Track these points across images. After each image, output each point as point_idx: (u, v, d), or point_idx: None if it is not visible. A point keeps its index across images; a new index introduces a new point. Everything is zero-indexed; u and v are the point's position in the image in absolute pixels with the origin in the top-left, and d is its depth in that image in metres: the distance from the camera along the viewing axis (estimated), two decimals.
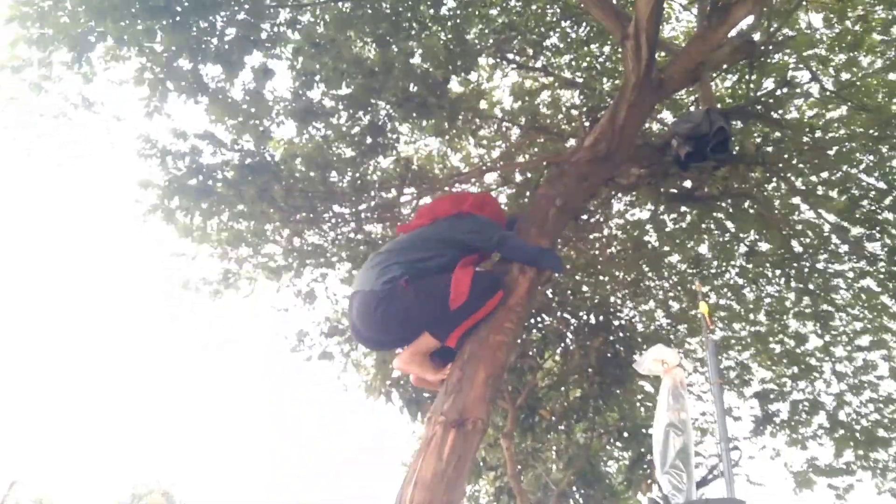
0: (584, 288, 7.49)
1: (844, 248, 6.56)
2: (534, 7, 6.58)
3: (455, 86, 5.89)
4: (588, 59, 6.84)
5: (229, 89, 4.77)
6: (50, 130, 5.09)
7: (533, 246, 3.20)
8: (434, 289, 2.90)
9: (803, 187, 6.09)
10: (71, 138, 5.26)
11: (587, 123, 5.79)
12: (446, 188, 6.40)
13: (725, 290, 7.55)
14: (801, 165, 5.88)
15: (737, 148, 5.43)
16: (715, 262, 7.38)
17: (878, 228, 6.14)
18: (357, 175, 5.80)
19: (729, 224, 6.80)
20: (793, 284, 7.09)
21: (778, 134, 5.86)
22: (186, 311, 6.78)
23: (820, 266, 6.89)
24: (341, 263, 6.36)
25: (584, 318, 7.42)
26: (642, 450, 7.68)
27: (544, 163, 6.09)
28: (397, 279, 2.88)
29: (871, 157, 5.93)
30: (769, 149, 5.80)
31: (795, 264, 6.77)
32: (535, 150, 6.67)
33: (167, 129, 5.13)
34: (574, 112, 6.48)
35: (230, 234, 5.88)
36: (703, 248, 7.35)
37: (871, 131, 5.44)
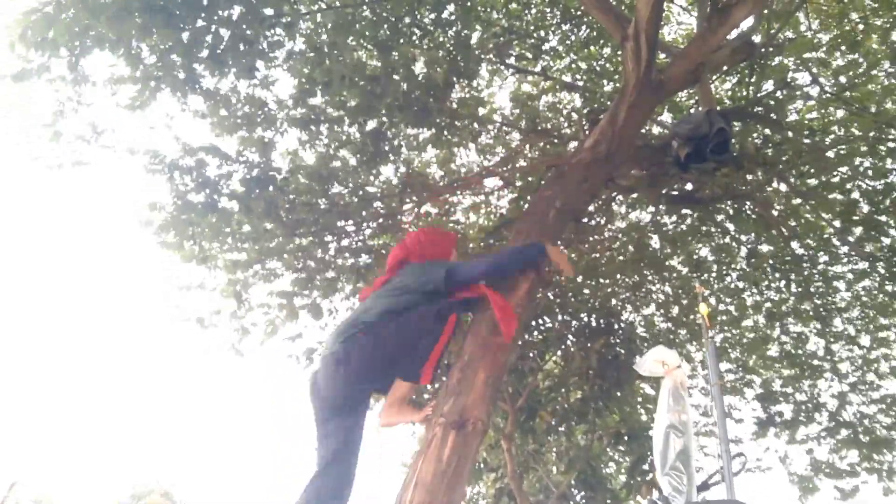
0: (585, 290, 7.48)
1: (844, 249, 6.56)
2: (533, 11, 6.59)
3: (455, 91, 5.89)
4: (588, 61, 6.85)
5: (227, 91, 4.77)
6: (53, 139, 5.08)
7: (493, 257, 3.04)
8: (395, 331, 2.88)
9: (803, 189, 6.09)
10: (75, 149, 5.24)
11: (587, 126, 5.80)
12: (447, 195, 6.39)
13: (726, 292, 7.55)
14: (801, 167, 5.89)
15: (737, 149, 5.43)
16: (715, 265, 7.38)
17: (877, 230, 6.14)
18: (359, 184, 5.80)
19: (729, 226, 6.80)
20: (793, 287, 7.09)
21: (778, 136, 5.87)
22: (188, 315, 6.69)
23: (820, 268, 6.90)
24: (346, 277, 6.27)
25: (585, 319, 7.42)
26: (643, 452, 7.67)
27: (545, 166, 6.09)
28: (355, 334, 2.88)
29: (871, 159, 5.94)
30: (769, 150, 5.81)
31: (796, 266, 6.77)
32: (536, 153, 6.67)
33: (172, 138, 5.14)
34: (574, 115, 6.48)
35: (236, 263, 5.86)
36: (704, 251, 7.35)
37: (870, 133, 5.45)
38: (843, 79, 5.82)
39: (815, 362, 7.58)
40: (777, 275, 7.12)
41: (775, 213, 6.38)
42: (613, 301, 7.63)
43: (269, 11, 4.50)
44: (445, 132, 5.64)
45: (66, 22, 3.91)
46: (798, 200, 6.34)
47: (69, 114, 4.74)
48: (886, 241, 6.33)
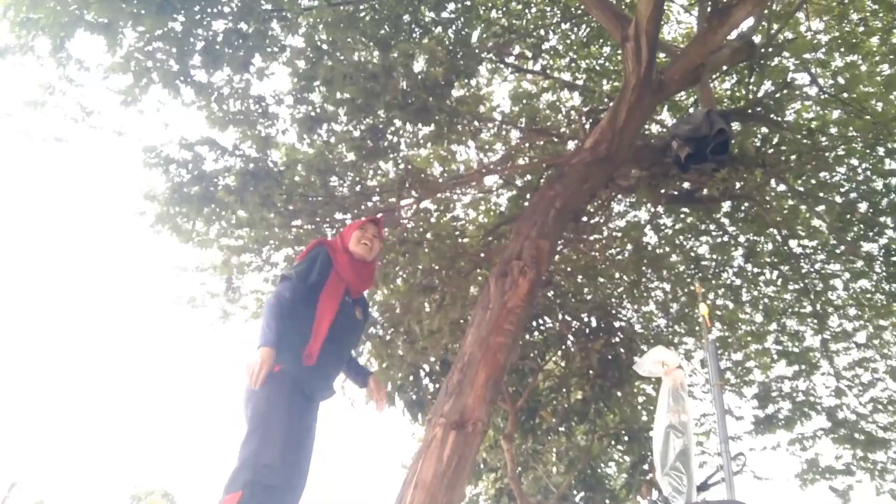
0: (585, 290, 7.47)
1: (842, 248, 6.56)
2: (533, 9, 6.58)
3: (455, 90, 5.88)
4: (588, 60, 6.85)
5: (220, 86, 4.75)
6: (51, 136, 5.03)
7: (275, 318, 2.74)
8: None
9: (802, 189, 6.09)
10: (73, 142, 5.20)
11: (587, 125, 5.80)
12: (446, 192, 6.39)
13: (724, 290, 7.56)
14: (800, 167, 5.89)
15: (736, 150, 5.43)
16: (713, 263, 7.38)
17: (874, 229, 6.15)
18: (357, 179, 5.80)
19: (728, 225, 6.81)
20: (790, 285, 7.09)
21: (777, 136, 5.87)
22: (189, 316, 6.76)
23: (818, 266, 6.91)
24: None
25: (585, 319, 7.41)
26: (643, 452, 7.67)
27: (545, 165, 6.09)
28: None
29: (869, 160, 5.94)
30: (768, 150, 5.81)
31: (793, 264, 6.78)
32: (536, 151, 6.67)
33: (167, 134, 5.15)
34: (574, 114, 6.48)
35: (232, 248, 5.89)
36: (703, 249, 7.35)
37: (868, 134, 5.45)
38: (841, 80, 5.83)
39: (813, 355, 7.59)
40: (775, 273, 7.13)
41: (773, 212, 6.38)
42: (613, 300, 7.63)
43: (267, 6, 4.49)
44: (445, 130, 5.64)
45: (51, 7, 3.88)
46: (796, 200, 6.35)
47: (58, 93, 4.68)
48: (883, 240, 6.34)
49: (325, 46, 4.93)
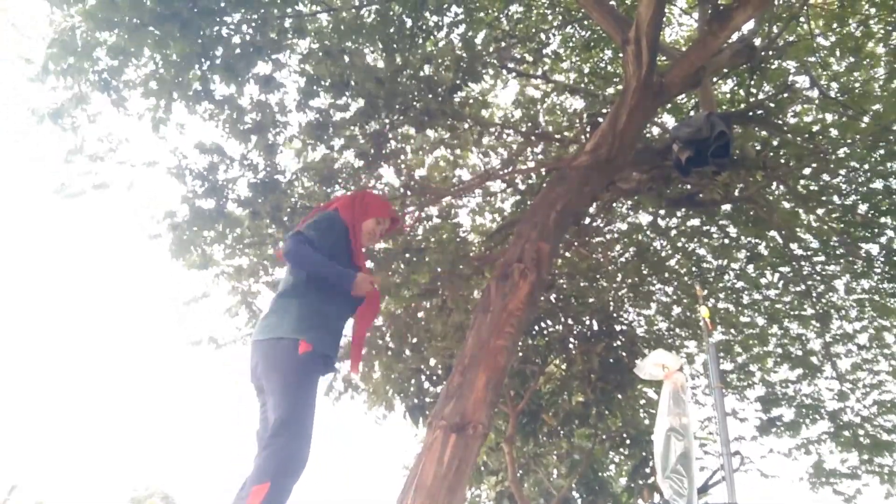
0: (587, 293, 7.47)
1: (842, 250, 6.57)
2: (535, 13, 6.60)
3: (459, 92, 5.89)
4: (589, 63, 6.86)
5: (238, 97, 4.77)
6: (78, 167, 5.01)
7: (321, 261, 2.67)
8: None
9: (803, 191, 6.09)
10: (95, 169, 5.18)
11: (588, 128, 5.80)
12: (449, 198, 6.39)
13: (725, 293, 7.55)
14: (800, 170, 5.89)
15: (737, 152, 5.42)
16: (715, 266, 7.38)
17: (874, 230, 6.16)
18: (361, 187, 5.79)
19: (729, 228, 6.80)
20: (791, 287, 7.09)
21: (778, 138, 5.87)
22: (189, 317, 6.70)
23: (818, 269, 6.90)
24: None
25: (587, 323, 7.41)
26: (644, 455, 7.65)
27: (545, 169, 6.09)
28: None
29: (869, 162, 5.94)
30: (769, 153, 5.81)
31: (795, 266, 6.77)
32: (538, 156, 6.67)
33: (183, 140, 5.13)
34: (575, 118, 6.48)
35: (238, 269, 5.89)
36: (704, 251, 7.35)
37: (869, 137, 5.45)
38: (842, 82, 5.83)
39: (815, 360, 7.58)
40: (776, 276, 7.12)
41: (775, 214, 6.38)
42: (614, 303, 7.62)
43: (276, 12, 4.50)
44: (448, 134, 5.63)
45: (84, 44, 3.90)
46: (797, 202, 6.34)
47: (82, 127, 4.65)
48: (883, 240, 6.34)
49: (333, 51, 4.93)
